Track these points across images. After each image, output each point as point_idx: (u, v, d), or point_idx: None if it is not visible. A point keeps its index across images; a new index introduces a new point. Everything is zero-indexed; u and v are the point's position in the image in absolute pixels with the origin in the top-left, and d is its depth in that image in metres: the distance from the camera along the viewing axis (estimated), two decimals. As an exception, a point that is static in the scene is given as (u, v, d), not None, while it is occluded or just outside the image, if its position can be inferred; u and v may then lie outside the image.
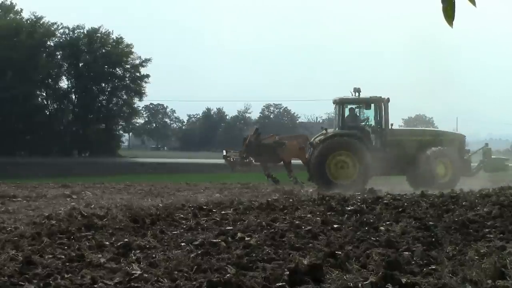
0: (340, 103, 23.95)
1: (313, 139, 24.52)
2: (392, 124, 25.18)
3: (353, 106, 24.15)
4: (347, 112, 24.13)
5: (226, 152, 25.00)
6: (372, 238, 8.59)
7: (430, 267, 6.70)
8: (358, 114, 24.36)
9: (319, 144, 23.46)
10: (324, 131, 24.29)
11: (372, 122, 23.84)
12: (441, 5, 4.15)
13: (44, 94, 69.10)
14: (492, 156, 24.21)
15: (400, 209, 11.56)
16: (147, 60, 70.58)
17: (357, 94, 24.09)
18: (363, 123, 24.09)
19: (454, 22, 4.16)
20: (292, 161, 24.71)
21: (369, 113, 24.17)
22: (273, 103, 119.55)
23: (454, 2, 4.13)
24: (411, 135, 23.92)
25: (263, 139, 25.01)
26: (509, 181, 20.65)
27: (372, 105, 23.81)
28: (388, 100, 23.54)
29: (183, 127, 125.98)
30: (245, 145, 24.35)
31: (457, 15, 4.13)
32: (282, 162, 24.41)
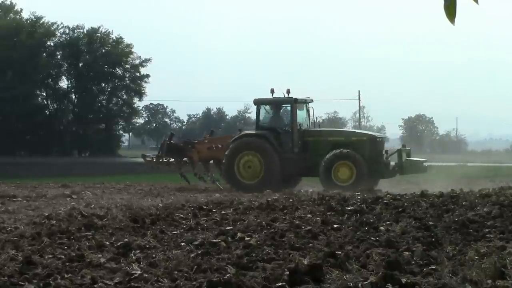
0: (256, 103, 24.22)
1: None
2: (319, 124, 25.67)
3: (269, 107, 24.26)
4: (263, 113, 24.38)
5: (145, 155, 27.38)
6: (372, 238, 8.59)
7: (430, 267, 6.70)
8: (272, 115, 24.31)
9: (229, 145, 23.90)
10: (238, 132, 25.08)
11: (285, 123, 23.71)
12: (443, 2, 4.15)
13: (44, 94, 69.10)
14: (411, 158, 23.36)
15: (400, 209, 11.56)
16: (147, 60, 70.63)
17: (284, 94, 24.09)
18: (276, 124, 23.97)
19: (455, 20, 4.15)
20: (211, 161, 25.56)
21: (284, 114, 24.10)
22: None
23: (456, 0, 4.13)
24: (325, 136, 23.52)
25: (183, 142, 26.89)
26: (509, 181, 20.65)
27: (284, 106, 23.88)
28: (297, 100, 23.44)
29: (183, 127, 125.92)
30: (161, 147, 26.39)
31: (458, 12, 4.13)
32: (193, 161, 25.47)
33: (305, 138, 23.25)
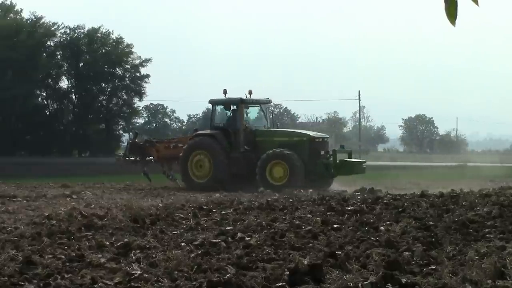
0: (211, 103, 24.78)
1: None
2: (278, 124, 26.06)
3: (222, 107, 24.60)
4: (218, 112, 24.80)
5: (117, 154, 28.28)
6: (372, 238, 8.59)
7: (430, 267, 6.70)
8: (227, 115, 24.62)
9: (185, 144, 24.51)
10: (194, 132, 25.72)
11: (237, 123, 23.86)
12: (443, 4, 4.15)
13: (44, 94, 69.00)
14: (349, 159, 23.41)
15: (400, 209, 11.55)
16: (147, 60, 70.51)
17: (247, 95, 24.28)
18: (227, 124, 24.27)
19: (456, 21, 4.15)
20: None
21: (234, 114, 24.25)
22: (273, 103, 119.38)
23: (457, 1, 4.13)
24: (272, 137, 23.64)
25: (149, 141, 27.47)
26: (509, 181, 20.63)
27: (235, 106, 24.08)
28: (244, 101, 23.66)
29: (183, 127, 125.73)
30: (126, 146, 27.39)
31: (459, 13, 4.13)
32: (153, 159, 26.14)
33: (256, 138, 23.56)
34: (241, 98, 23.79)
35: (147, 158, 26.16)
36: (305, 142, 22.91)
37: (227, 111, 24.47)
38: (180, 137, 27.74)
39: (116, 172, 31.67)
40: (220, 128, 24.11)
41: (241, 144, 23.44)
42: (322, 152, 22.96)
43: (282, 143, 22.96)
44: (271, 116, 25.08)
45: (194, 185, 23.16)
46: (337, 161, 22.75)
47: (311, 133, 24.22)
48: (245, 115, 24.27)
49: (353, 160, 23.61)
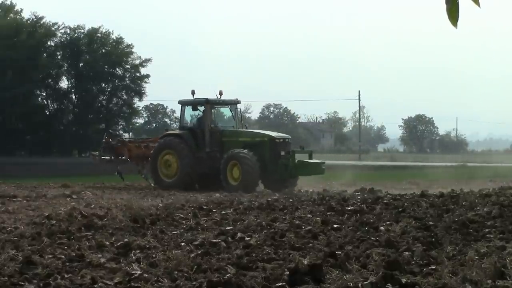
0: (180, 104, 25.03)
1: None
2: (246, 125, 26.36)
3: (190, 108, 24.73)
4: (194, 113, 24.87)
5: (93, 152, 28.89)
6: (372, 238, 8.58)
7: (430, 267, 6.70)
8: (196, 116, 24.83)
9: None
10: (165, 131, 26.36)
11: (203, 124, 24.05)
12: (445, 5, 4.14)
13: (44, 94, 68.98)
14: (310, 160, 23.45)
15: (400, 209, 11.55)
16: (147, 60, 70.47)
17: (217, 95, 24.50)
18: (195, 125, 24.50)
19: (458, 23, 4.15)
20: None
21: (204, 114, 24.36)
22: (273, 103, 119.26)
23: (458, 3, 4.12)
24: (236, 137, 23.79)
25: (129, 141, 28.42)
26: (509, 181, 20.63)
27: (202, 107, 24.21)
28: (209, 101, 23.83)
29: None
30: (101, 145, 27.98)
31: (460, 15, 4.13)
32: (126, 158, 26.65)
33: (222, 139, 23.72)
34: (206, 98, 24.01)
35: (120, 157, 26.61)
36: (265, 143, 23.09)
37: (194, 111, 24.68)
38: (155, 137, 27.99)
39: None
40: (188, 128, 24.44)
41: (206, 144, 23.68)
42: (283, 153, 22.98)
43: (245, 144, 23.19)
44: (239, 117, 25.30)
45: (163, 184, 23.54)
46: (296, 162, 22.83)
47: (273, 134, 24.30)
48: (213, 116, 24.60)
49: (311, 161, 23.60)
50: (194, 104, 24.40)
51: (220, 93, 24.57)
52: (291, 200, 14.50)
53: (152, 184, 24.46)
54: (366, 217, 10.79)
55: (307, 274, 6.26)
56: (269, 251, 8.01)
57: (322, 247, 8.17)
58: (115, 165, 26.83)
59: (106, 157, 27.00)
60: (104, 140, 27.85)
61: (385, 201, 12.85)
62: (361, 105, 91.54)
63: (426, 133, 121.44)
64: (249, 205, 13.34)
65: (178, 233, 9.74)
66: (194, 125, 24.48)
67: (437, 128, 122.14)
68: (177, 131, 24.93)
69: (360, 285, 5.87)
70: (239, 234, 9.32)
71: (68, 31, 69.06)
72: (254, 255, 7.73)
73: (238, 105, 25.35)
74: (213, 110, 24.71)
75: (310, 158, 23.94)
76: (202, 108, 24.22)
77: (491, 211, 10.36)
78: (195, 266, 7.02)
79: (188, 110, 24.84)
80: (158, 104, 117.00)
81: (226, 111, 25.69)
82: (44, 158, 55.33)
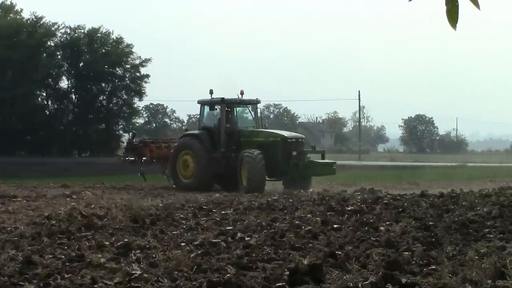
0: (199, 103, 24.89)
1: None
2: (265, 125, 26.18)
3: (208, 108, 24.59)
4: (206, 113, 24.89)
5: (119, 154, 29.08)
6: (372, 238, 8.58)
7: (430, 267, 6.69)
8: (210, 116, 24.77)
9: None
10: (185, 132, 26.43)
11: (224, 124, 23.91)
12: (445, 7, 4.14)
13: (44, 94, 68.96)
14: (321, 160, 23.43)
15: (400, 209, 11.55)
16: (147, 60, 70.46)
17: (238, 95, 24.51)
18: (213, 125, 24.36)
19: (457, 25, 4.15)
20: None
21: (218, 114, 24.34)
22: (273, 103, 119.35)
23: (458, 4, 4.12)
24: (252, 137, 23.72)
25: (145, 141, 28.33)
26: (510, 181, 20.62)
27: (218, 107, 24.15)
28: (225, 101, 23.75)
29: (183, 127, 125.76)
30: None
31: (460, 17, 4.13)
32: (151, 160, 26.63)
33: (240, 139, 23.64)
34: (222, 98, 23.88)
35: (143, 158, 26.49)
36: (278, 143, 23.01)
37: (213, 111, 24.54)
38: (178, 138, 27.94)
39: (116, 172, 31.71)
40: (206, 128, 24.32)
41: (222, 144, 23.59)
42: (295, 153, 22.87)
43: (259, 144, 23.12)
44: (258, 116, 25.15)
45: (181, 185, 23.51)
46: (306, 162, 22.72)
47: (286, 134, 24.27)
48: (235, 116, 24.46)
49: (322, 161, 23.53)
50: (212, 104, 24.23)
51: (242, 93, 24.42)
52: (291, 200, 14.51)
53: (174, 186, 24.25)
54: (366, 217, 10.79)
55: (307, 274, 6.26)
56: (269, 251, 8.01)
57: (322, 247, 8.17)
58: (138, 166, 26.76)
59: (131, 158, 26.99)
60: (128, 141, 28.19)
61: (385, 201, 12.85)
62: (361, 105, 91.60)
63: (426, 133, 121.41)
64: (249, 205, 13.35)
65: (178, 233, 9.74)
66: (214, 126, 24.27)
67: (437, 128, 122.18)
68: (195, 132, 24.85)
69: (360, 285, 5.86)
70: (239, 234, 9.32)
71: (68, 31, 69.02)
72: (254, 255, 7.73)
73: (258, 105, 25.15)
74: (234, 110, 24.51)
75: (323, 158, 23.88)
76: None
77: (491, 211, 10.36)
78: (195, 266, 7.01)
79: (207, 110, 24.64)
80: (158, 104, 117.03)
81: (247, 111, 25.47)
82: (44, 158, 55.30)
